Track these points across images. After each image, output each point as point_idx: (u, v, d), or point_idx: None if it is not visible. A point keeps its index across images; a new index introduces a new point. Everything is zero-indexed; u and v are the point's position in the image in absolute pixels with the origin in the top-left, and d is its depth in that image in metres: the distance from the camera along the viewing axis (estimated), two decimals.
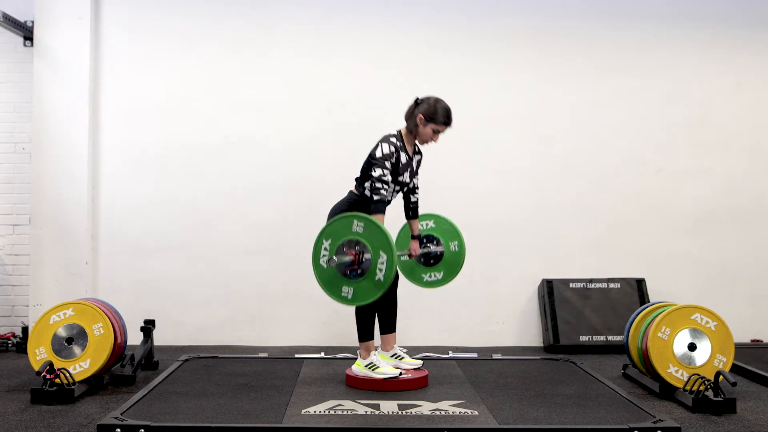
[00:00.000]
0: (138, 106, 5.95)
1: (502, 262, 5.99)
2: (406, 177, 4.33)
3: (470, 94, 6.00)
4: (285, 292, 5.91)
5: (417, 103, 4.34)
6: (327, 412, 3.69)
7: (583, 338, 5.76)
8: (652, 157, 6.06)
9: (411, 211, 4.55)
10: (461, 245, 4.72)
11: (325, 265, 3.89)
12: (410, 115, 4.33)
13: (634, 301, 5.85)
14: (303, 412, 3.68)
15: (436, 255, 4.73)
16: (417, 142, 4.41)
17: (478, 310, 5.95)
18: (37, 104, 5.79)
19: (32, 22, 5.82)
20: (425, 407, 3.78)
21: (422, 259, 4.74)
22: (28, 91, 5.86)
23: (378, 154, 4.20)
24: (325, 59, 5.99)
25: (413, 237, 4.58)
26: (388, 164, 4.18)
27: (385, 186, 4.16)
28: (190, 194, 5.92)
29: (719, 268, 6.05)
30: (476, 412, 3.68)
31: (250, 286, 5.92)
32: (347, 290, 3.86)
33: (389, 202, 4.31)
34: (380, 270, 3.79)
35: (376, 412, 3.68)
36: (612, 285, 5.94)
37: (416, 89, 5.94)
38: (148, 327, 4.94)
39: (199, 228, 5.92)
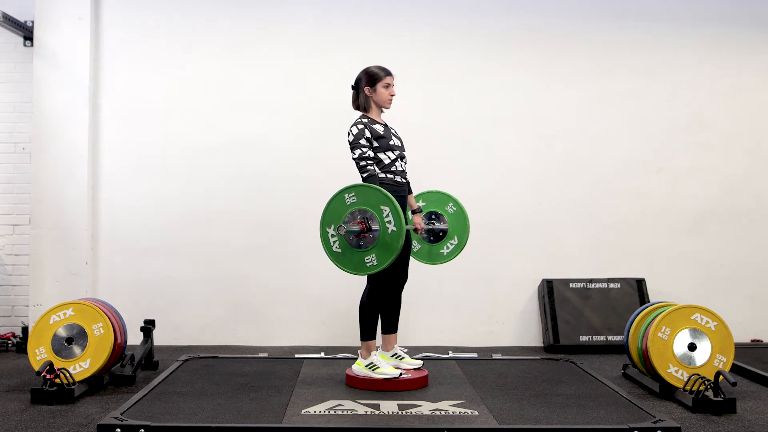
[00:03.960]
0: (138, 106, 5.95)
1: (502, 262, 5.99)
2: (395, 141, 4.34)
3: (471, 93, 6.01)
4: (285, 292, 5.91)
5: (354, 87, 4.38)
6: (327, 412, 3.69)
7: (583, 338, 5.76)
8: (652, 157, 6.06)
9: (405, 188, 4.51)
10: (457, 203, 4.78)
11: (339, 249, 3.91)
12: (358, 98, 4.37)
13: (634, 301, 5.85)
14: (303, 412, 3.68)
15: (443, 230, 4.79)
16: (383, 110, 4.40)
17: (478, 310, 5.95)
18: (37, 104, 5.79)
19: (32, 22, 5.82)
20: (425, 407, 3.78)
21: (432, 238, 4.79)
22: (28, 91, 5.86)
23: (350, 139, 4.23)
24: (325, 59, 5.98)
25: (413, 212, 4.55)
26: (363, 141, 4.19)
27: (369, 162, 4.17)
28: (191, 194, 5.92)
29: (719, 268, 6.05)
30: (476, 412, 3.68)
31: (250, 286, 5.92)
32: (370, 258, 3.90)
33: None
34: (389, 222, 3.85)
35: (376, 412, 3.68)
36: (612, 285, 5.94)
37: (417, 89, 6.01)
38: (148, 327, 4.94)
39: (199, 228, 5.92)
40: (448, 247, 4.80)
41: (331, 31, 5.99)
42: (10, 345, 5.59)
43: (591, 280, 5.95)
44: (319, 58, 5.98)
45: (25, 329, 5.45)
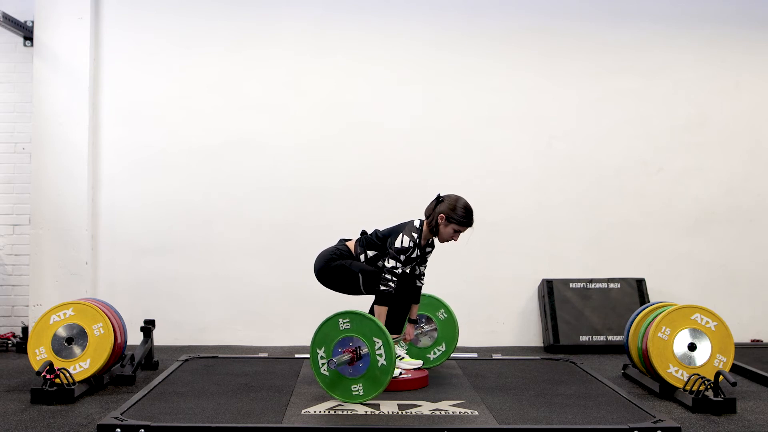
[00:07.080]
0: (138, 106, 5.94)
1: (502, 262, 5.99)
2: (417, 255, 4.38)
3: (471, 93, 6.01)
4: (285, 292, 5.91)
5: (438, 200, 4.30)
6: (327, 412, 3.69)
7: (583, 338, 5.76)
8: (652, 157, 6.06)
9: (413, 295, 4.53)
10: (448, 310, 4.83)
11: (327, 372, 3.88)
12: (431, 212, 4.30)
13: (634, 301, 5.85)
14: (303, 412, 3.68)
15: (430, 334, 4.84)
16: (436, 239, 4.39)
17: (478, 310, 5.94)
18: (37, 104, 5.79)
19: (32, 22, 5.82)
20: (425, 407, 3.78)
21: (419, 340, 4.83)
22: (28, 91, 5.86)
23: (397, 244, 4.20)
24: (325, 59, 5.98)
25: (410, 321, 4.59)
26: (402, 257, 4.20)
27: (395, 278, 4.18)
28: (191, 194, 5.92)
29: (719, 268, 6.05)
30: (476, 412, 3.68)
31: (250, 286, 5.92)
32: (357, 387, 3.84)
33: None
34: (380, 356, 3.79)
35: (376, 412, 3.68)
36: (612, 285, 5.94)
37: (418, 89, 6.01)
38: (148, 327, 4.93)
39: (199, 228, 5.92)
40: (435, 353, 4.83)
41: (331, 31, 5.99)
42: (10, 345, 5.59)
43: (591, 280, 5.95)
44: (319, 58, 5.98)
45: (25, 329, 5.44)
